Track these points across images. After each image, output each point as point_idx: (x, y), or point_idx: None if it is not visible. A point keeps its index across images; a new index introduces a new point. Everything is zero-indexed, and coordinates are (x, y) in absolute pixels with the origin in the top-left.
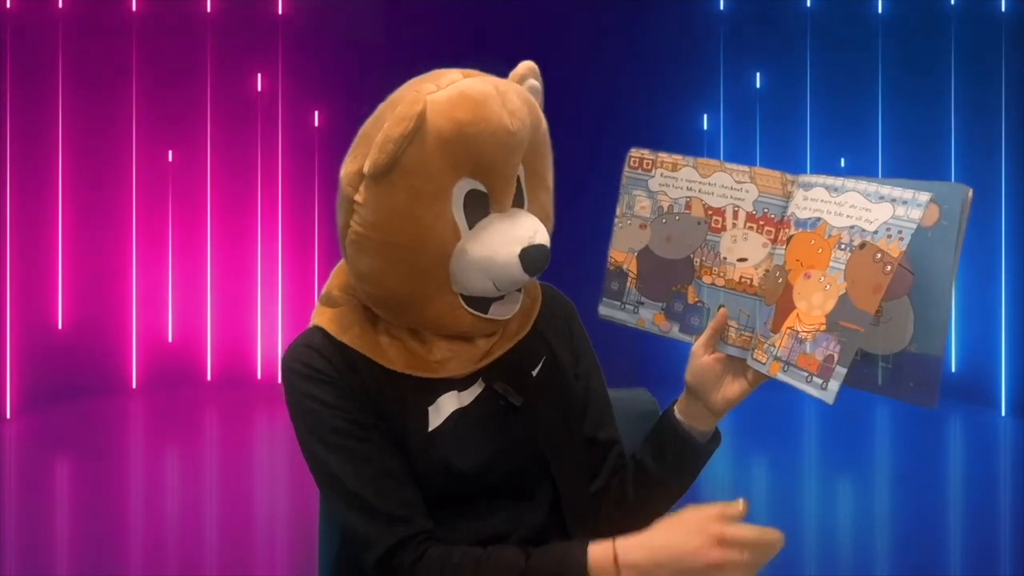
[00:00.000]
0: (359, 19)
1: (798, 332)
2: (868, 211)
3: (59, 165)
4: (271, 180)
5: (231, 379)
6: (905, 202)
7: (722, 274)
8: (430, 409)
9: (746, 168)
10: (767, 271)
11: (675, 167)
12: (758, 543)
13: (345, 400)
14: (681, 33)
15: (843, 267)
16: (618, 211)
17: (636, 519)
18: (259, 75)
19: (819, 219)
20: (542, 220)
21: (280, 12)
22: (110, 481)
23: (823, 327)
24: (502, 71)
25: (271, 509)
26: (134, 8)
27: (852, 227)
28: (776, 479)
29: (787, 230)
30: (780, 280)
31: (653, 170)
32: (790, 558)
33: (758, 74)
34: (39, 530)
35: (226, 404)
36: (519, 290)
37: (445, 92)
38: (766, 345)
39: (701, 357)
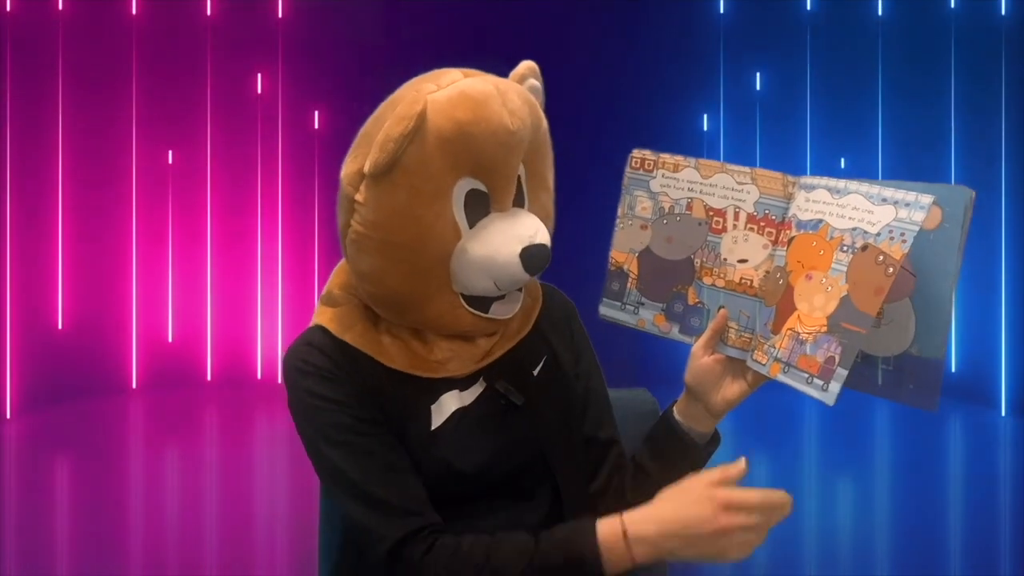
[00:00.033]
0: (359, 20)
1: (799, 333)
2: (870, 213)
3: (59, 166)
4: (271, 181)
5: (231, 379)
6: (908, 204)
7: (722, 275)
8: (432, 408)
9: (747, 169)
10: (767, 272)
11: (677, 168)
12: (764, 505)
13: (348, 396)
14: (681, 33)
15: (845, 269)
16: (619, 212)
17: None
18: (259, 76)
19: (821, 221)
20: (542, 220)
21: (280, 13)
22: (110, 481)
23: (824, 328)
24: (502, 71)
25: (271, 509)
26: (134, 11)
27: (854, 229)
28: (776, 479)
29: (788, 231)
30: (781, 281)
31: (655, 171)
32: (790, 558)
33: (758, 75)
34: (39, 530)
35: (226, 404)
36: (520, 289)
37: (446, 92)
38: (766, 346)
39: (701, 358)
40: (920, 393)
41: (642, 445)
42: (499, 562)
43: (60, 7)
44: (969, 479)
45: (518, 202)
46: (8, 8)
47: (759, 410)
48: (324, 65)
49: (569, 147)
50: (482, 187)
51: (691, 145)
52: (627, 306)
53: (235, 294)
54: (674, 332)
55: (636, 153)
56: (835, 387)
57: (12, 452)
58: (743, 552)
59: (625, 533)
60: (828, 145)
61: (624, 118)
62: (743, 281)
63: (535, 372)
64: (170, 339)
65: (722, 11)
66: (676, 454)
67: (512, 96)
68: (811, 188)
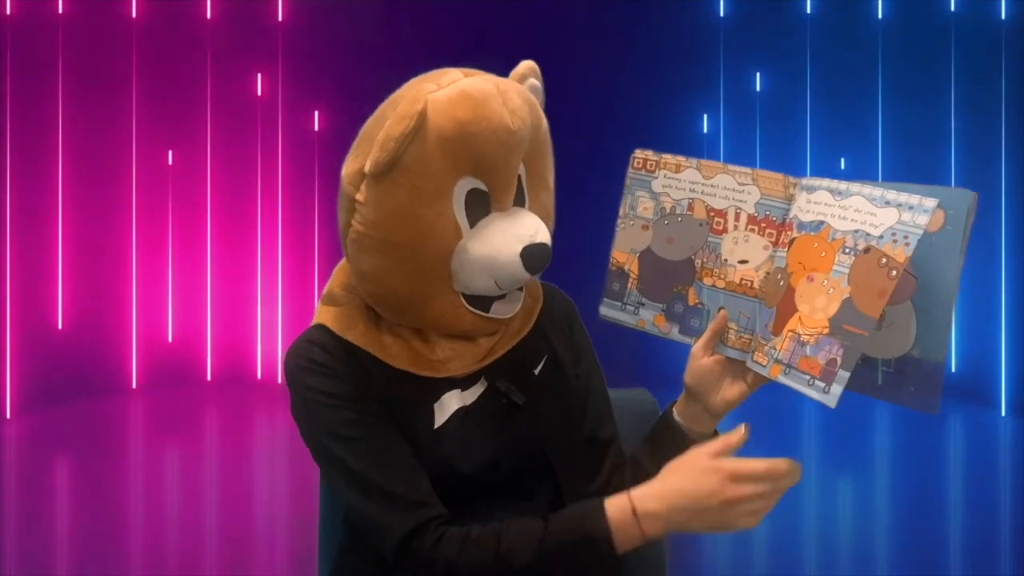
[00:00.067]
0: (359, 20)
1: (800, 335)
2: (873, 215)
3: (59, 166)
4: (271, 181)
5: (231, 379)
6: (911, 207)
7: (723, 276)
8: (435, 407)
9: (748, 170)
10: (768, 273)
11: (678, 168)
12: (770, 474)
13: (351, 391)
14: (681, 34)
15: (847, 271)
16: (621, 212)
17: None
18: (259, 76)
19: (823, 222)
20: (543, 219)
21: (280, 14)
22: (110, 481)
23: (826, 330)
24: (502, 71)
25: (271, 509)
26: (134, 12)
27: (856, 231)
28: None
29: (789, 232)
30: (781, 283)
31: (657, 171)
32: (791, 558)
33: (758, 75)
34: (39, 530)
35: (226, 404)
36: (520, 289)
37: (446, 91)
38: (766, 347)
39: (700, 359)
40: (921, 395)
41: (642, 445)
42: (510, 546)
43: (60, 9)
44: (969, 479)
45: (519, 201)
46: (8, 10)
47: (758, 411)
48: (324, 66)
49: (569, 147)
50: (483, 186)
51: (691, 145)
52: (627, 306)
53: (235, 294)
54: (674, 333)
55: (638, 153)
56: (837, 389)
57: (12, 452)
58: (752, 521)
59: (634, 510)
60: (828, 145)
61: (624, 118)
62: (743, 282)
63: (536, 371)
64: (170, 339)
65: (722, 12)
66: (676, 454)
67: (512, 95)
68: (812, 189)
